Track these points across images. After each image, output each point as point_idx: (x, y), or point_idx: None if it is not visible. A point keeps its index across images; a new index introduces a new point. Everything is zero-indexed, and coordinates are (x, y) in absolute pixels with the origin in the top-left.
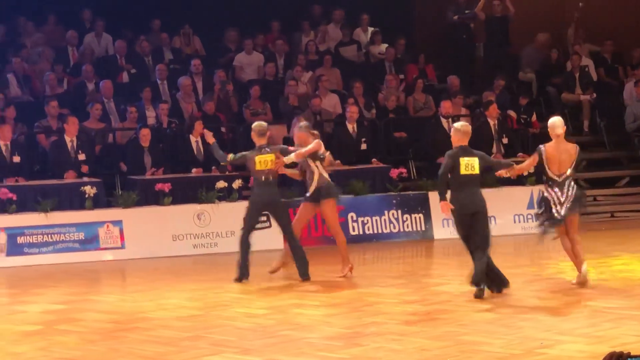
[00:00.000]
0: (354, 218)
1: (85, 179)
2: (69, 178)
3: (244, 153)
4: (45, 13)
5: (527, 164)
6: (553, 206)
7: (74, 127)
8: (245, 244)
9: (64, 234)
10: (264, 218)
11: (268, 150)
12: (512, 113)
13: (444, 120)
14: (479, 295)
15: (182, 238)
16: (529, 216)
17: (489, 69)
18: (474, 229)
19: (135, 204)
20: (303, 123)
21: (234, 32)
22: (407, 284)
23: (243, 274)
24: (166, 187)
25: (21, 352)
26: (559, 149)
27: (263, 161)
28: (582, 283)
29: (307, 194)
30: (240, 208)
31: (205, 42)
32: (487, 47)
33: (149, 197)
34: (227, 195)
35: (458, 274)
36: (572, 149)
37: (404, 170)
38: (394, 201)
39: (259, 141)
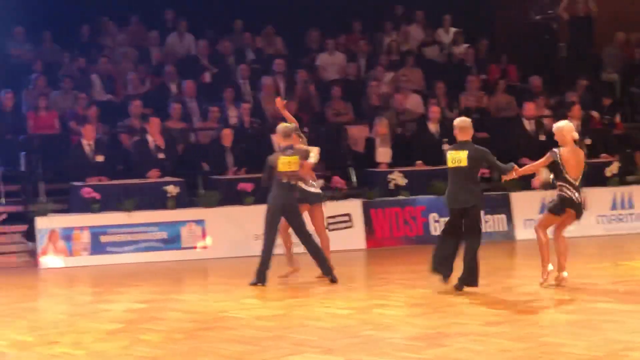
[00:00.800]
0: (436, 218)
1: (168, 179)
2: (152, 177)
3: (269, 159)
4: (128, 14)
5: (536, 165)
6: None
7: (157, 127)
8: (270, 249)
9: (147, 233)
10: (346, 218)
11: (292, 152)
12: (595, 114)
13: (526, 122)
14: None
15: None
16: (612, 217)
17: (571, 69)
18: (464, 225)
19: (217, 203)
20: (292, 125)
21: (316, 32)
22: (489, 284)
23: (260, 279)
24: (248, 187)
25: (104, 350)
26: (574, 153)
27: (287, 162)
28: (561, 282)
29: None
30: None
31: (287, 42)
32: (570, 47)
33: (231, 196)
34: None
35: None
36: (582, 154)
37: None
38: None
39: (284, 142)
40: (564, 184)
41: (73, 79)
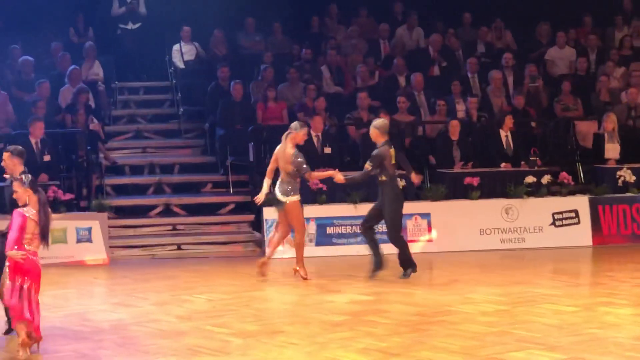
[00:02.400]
0: None
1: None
2: None
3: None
4: (358, 6)
5: None
6: None
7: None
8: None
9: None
10: (572, 214)
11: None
12: None
13: None
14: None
15: (490, 232)
16: None
17: None
18: None
19: (443, 197)
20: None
21: (546, 26)
22: None
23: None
24: (475, 181)
25: (327, 342)
26: None
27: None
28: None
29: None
30: (548, 204)
31: (516, 36)
32: None
33: (457, 190)
34: (535, 190)
35: None
36: None
37: None
38: None
39: (381, 138)
40: None
41: (301, 71)
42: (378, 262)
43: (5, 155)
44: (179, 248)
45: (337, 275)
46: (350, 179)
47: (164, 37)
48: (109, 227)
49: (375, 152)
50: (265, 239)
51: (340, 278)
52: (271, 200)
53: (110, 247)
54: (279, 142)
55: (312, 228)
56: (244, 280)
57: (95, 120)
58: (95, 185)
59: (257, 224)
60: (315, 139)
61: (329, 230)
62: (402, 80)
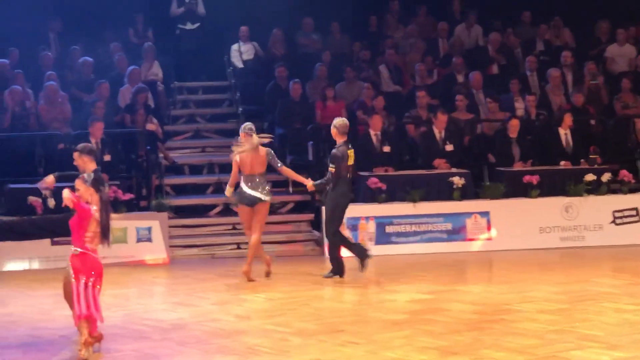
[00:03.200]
0: None
1: (454, 170)
2: (439, 168)
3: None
4: (416, 5)
5: None
6: None
7: (444, 119)
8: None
9: (432, 224)
10: (633, 212)
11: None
12: None
13: None
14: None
15: (549, 231)
16: None
17: None
18: None
19: (502, 195)
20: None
21: (605, 24)
22: None
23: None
24: (534, 179)
25: (387, 340)
26: None
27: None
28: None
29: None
30: (608, 202)
31: (575, 34)
32: None
33: (517, 188)
34: (595, 188)
35: None
36: None
37: None
38: None
39: (340, 138)
40: None
41: (359, 70)
42: (360, 252)
43: (75, 154)
44: (239, 247)
45: (396, 274)
46: (318, 184)
47: (223, 37)
48: (169, 226)
49: (333, 151)
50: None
51: (400, 277)
52: (247, 199)
53: (170, 246)
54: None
55: (371, 227)
56: (303, 279)
57: (154, 120)
58: (155, 185)
59: (317, 223)
60: (374, 138)
61: (388, 229)
62: (460, 79)
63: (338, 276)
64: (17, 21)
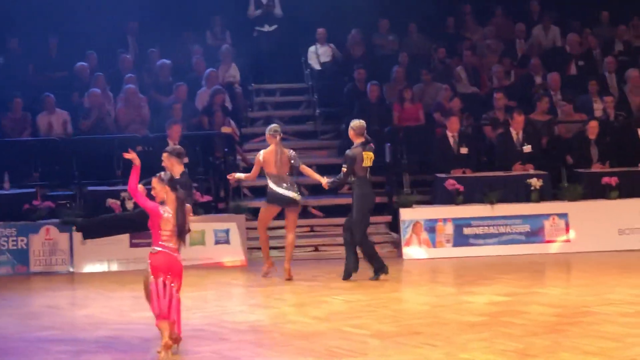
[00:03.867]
0: None
1: (532, 172)
2: (517, 170)
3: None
4: (493, 6)
5: None
6: None
7: (521, 120)
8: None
9: (510, 226)
10: None
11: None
12: None
13: None
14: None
15: (629, 232)
16: None
17: None
18: None
19: (581, 197)
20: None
21: None
22: None
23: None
24: (613, 180)
25: (464, 342)
26: None
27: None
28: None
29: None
30: None
31: None
32: None
33: (595, 190)
34: None
35: None
36: None
37: None
38: None
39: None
40: None
41: (436, 71)
42: (379, 266)
43: (164, 155)
44: (316, 249)
45: (474, 276)
46: (331, 183)
47: (300, 39)
48: (247, 228)
49: (347, 152)
50: (402, 239)
51: (478, 279)
52: (280, 199)
53: (248, 248)
54: (415, 143)
55: (449, 229)
56: (381, 281)
57: (232, 123)
58: (232, 187)
59: (394, 225)
60: (451, 139)
61: (466, 230)
62: (538, 80)
63: (383, 273)
64: (95, 25)
